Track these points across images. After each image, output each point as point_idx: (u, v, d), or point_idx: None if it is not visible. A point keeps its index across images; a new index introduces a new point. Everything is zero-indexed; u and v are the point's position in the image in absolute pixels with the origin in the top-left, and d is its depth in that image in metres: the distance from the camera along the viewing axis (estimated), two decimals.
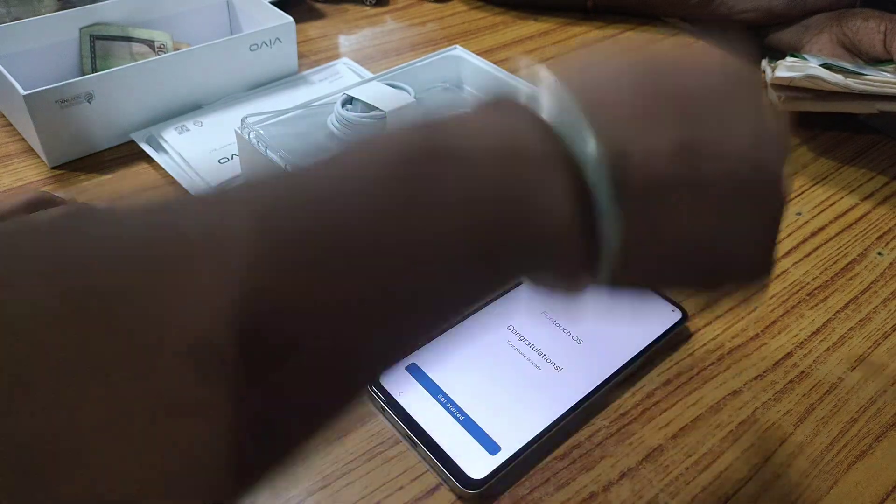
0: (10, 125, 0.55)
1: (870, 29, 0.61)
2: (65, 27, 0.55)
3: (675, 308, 0.43)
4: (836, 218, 0.53)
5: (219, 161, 0.51)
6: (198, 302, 0.16)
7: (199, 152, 0.52)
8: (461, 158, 0.20)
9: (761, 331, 0.44)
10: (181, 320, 0.15)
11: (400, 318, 0.19)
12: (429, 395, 0.37)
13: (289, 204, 0.18)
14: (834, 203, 0.55)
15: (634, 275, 0.23)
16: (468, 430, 0.35)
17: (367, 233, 0.18)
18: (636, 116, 0.21)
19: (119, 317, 0.15)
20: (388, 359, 0.20)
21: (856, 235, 0.52)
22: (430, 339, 0.21)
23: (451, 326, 0.20)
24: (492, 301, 0.42)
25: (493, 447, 0.35)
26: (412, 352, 0.20)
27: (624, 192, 0.20)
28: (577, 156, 0.20)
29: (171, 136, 0.53)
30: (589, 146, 0.20)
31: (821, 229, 0.52)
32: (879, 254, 0.50)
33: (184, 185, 0.50)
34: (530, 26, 0.76)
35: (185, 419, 0.15)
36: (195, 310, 0.16)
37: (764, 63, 0.62)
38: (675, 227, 0.22)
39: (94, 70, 0.56)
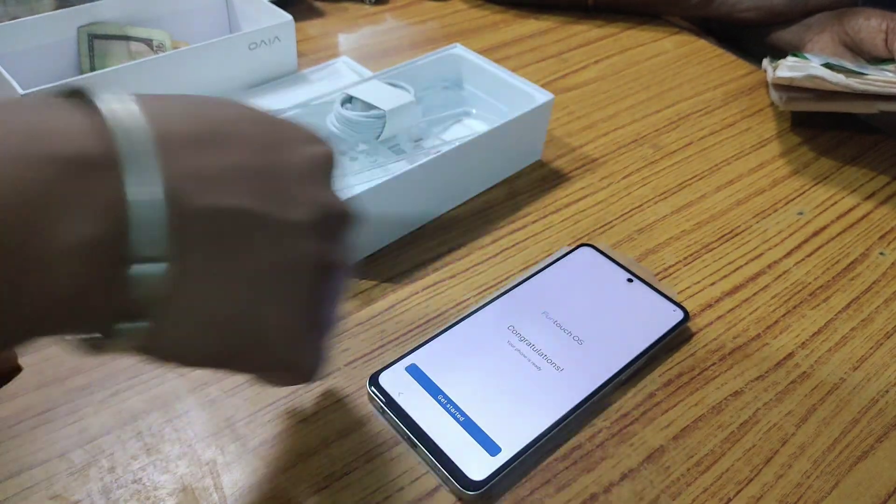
0: None
1: (871, 28, 0.61)
2: (63, 26, 0.55)
3: (676, 308, 0.43)
4: (838, 218, 0.53)
5: None
6: None
7: None
8: None
9: (763, 331, 0.44)
10: None
11: None
12: (429, 395, 0.37)
13: None
14: (835, 203, 0.54)
15: (175, 336, 0.21)
16: (468, 431, 0.35)
17: None
18: (204, 167, 0.21)
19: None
20: None
21: (857, 235, 0.51)
22: None
23: None
24: (492, 301, 0.42)
25: (493, 448, 0.35)
26: None
27: (176, 229, 0.19)
28: (130, 179, 0.18)
29: None
30: (151, 178, 0.19)
31: (822, 229, 0.52)
32: (881, 253, 0.50)
33: None
34: (531, 25, 0.76)
35: None
36: None
37: (765, 62, 0.62)
38: (216, 283, 0.21)
39: (92, 69, 0.56)
